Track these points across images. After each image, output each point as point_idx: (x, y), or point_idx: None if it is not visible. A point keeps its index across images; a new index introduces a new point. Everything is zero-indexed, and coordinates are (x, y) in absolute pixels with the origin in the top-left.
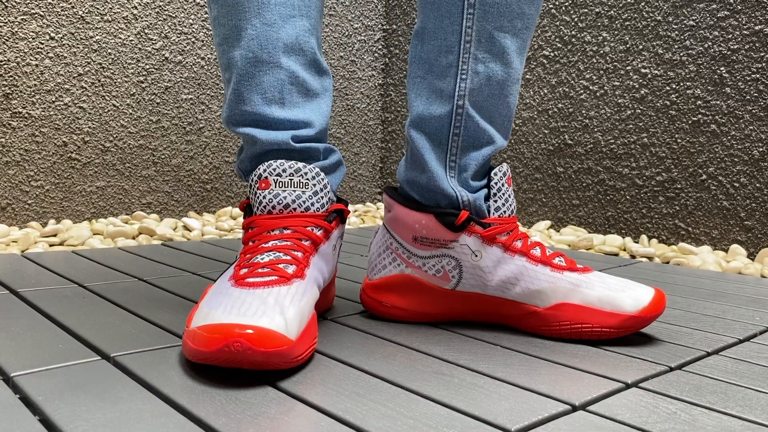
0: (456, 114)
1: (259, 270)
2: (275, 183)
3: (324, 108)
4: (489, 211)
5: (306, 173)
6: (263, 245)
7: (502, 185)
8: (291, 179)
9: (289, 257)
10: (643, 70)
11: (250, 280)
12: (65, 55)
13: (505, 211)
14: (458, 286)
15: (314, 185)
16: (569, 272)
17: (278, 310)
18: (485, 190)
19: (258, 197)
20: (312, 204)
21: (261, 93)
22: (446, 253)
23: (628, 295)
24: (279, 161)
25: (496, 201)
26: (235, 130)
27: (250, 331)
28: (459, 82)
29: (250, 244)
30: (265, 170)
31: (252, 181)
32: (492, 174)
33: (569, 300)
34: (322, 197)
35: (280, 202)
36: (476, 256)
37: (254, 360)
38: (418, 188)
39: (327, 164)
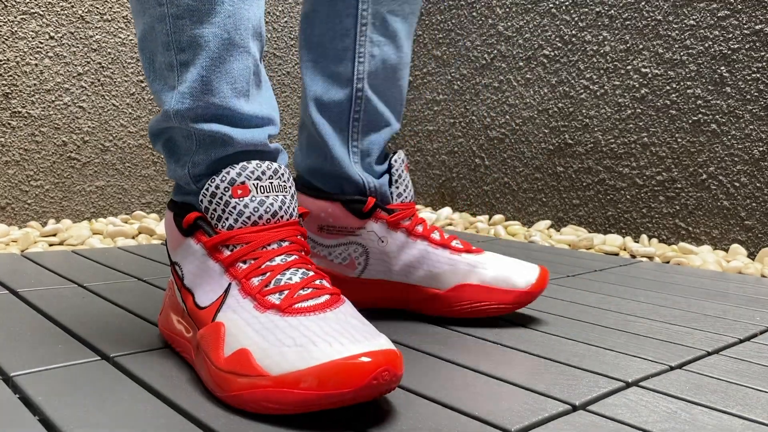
0: (356, 98)
1: (301, 292)
2: (256, 188)
3: (274, 102)
4: (392, 197)
5: (283, 174)
6: (268, 264)
7: (402, 172)
8: (271, 182)
9: (312, 272)
10: (643, 70)
11: (303, 305)
12: (65, 54)
13: (406, 197)
14: (363, 274)
15: (290, 187)
16: (467, 254)
17: (373, 330)
18: (387, 176)
19: (236, 206)
20: (294, 209)
21: (231, 83)
22: (353, 240)
23: (518, 273)
24: (254, 162)
25: (398, 187)
26: (197, 126)
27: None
28: (357, 66)
29: (243, 265)
30: (240, 173)
31: (216, 188)
32: (392, 161)
33: (468, 281)
34: (296, 201)
35: (268, 210)
36: (382, 242)
37: (390, 388)
38: (322, 176)
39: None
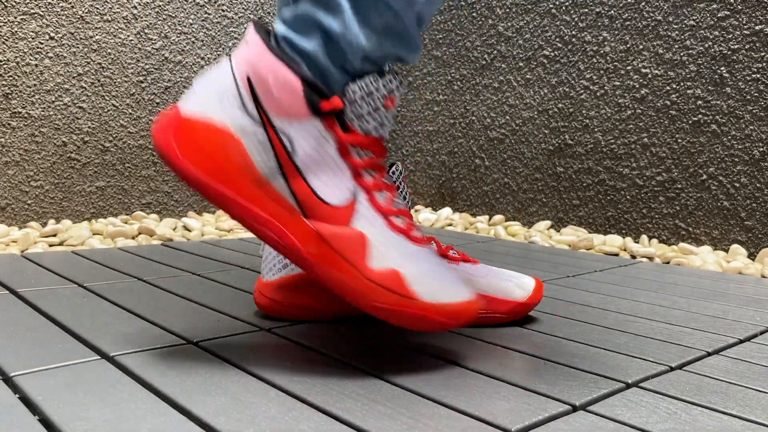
0: None
1: (409, 220)
2: (394, 104)
3: None
4: None
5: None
6: (385, 181)
7: (400, 183)
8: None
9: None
10: (643, 70)
11: (415, 234)
12: (65, 54)
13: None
14: None
15: None
16: (464, 263)
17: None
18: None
19: (382, 115)
20: None
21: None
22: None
23: (515, 284)
24: (400, 77)
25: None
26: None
27: None
28: None
29: (369, 177)
30: (398, 87)
31: (377, 89)
32: (389, 173)
33: None
34: None
35: (387, 127)
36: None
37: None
38: None
39: None
